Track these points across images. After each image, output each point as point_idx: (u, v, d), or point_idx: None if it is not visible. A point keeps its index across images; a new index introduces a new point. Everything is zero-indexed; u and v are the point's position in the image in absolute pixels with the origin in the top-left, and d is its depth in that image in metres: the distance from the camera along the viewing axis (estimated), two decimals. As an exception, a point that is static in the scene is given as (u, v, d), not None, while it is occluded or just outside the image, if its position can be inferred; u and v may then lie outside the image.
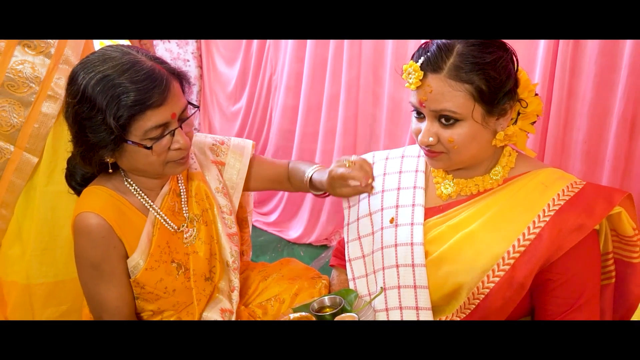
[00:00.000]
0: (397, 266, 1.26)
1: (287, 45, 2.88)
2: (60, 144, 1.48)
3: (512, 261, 1.14)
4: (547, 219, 1.14)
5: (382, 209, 1.35)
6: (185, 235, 1.34)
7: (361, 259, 1.39)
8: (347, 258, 1.41)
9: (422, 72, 1.14)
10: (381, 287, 1.28)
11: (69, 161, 1.34)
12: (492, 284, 1.16)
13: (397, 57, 2.47)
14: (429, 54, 1.14)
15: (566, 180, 1.19)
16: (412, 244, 1.26)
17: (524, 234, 1.15)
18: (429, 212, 1.29)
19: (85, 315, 1.43)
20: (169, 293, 1.30)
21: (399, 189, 1.35)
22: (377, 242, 1.33)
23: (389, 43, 2.50)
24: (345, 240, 1.43)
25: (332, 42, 2.68)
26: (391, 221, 1.31)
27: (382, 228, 1.33)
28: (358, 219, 1.41)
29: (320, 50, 2.74)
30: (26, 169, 1.48)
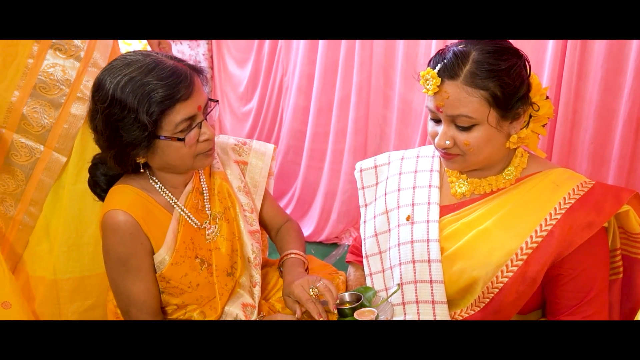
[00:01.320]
0: (414, 262, 1.32)
1: (299, 47, 2.94)
2: (88, 144, 1.54)
3: (525, 257, 1.20)
4: (559, 216, 1.20)
5: (398, 207, 1.40)
6: (207, 232, 1.40)
7: (378, 255, 1.45)
8: (364, 254, 1.46)
9: (440, 79, 1.19)
10: (398, 284, 1.33)
11: (91, 170, 1.39)
12: (506, 279, 1.21)
13: (408, 59, 2.52)
14: (445, 61, 1.19)
15: (576, 179, 1.25)
16: (428, 240, 1.31)
17: (536, 231, 1.21)
18: (444, 210, 1.34)
19: (110, 310, 1.48)
20: (193, 287, 1.36)
21: (414, 187, 1.41)
22: (394, 239, 1.38)
23: (400, 45, 2.55)
24: (362, 237, 1.49)
25: (344, 44, 2.74)
26: (407, 219, 1.37)
27: (398, 225, 1.38)
28: (375, 217, 1.46)
29: (332, 52, 2.80)
30: (55, 168, 1.55)
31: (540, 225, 1.21)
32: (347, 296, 1.37)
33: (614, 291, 1.29)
